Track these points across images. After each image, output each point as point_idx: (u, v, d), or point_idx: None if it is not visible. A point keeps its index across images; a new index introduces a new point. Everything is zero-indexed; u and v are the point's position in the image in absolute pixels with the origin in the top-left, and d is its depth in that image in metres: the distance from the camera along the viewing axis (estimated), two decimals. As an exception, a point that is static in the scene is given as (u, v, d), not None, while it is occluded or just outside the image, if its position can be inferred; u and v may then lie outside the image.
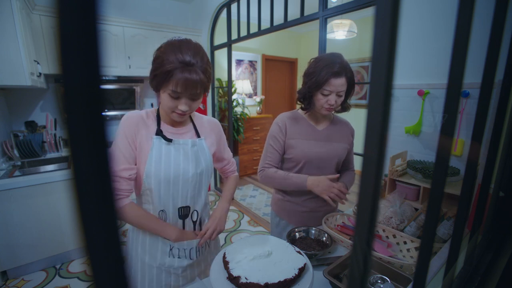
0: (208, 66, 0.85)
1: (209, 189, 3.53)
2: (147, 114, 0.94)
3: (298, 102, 1.22)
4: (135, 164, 0.90)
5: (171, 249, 0.96)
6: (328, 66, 1.05)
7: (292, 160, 1.22)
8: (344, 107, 1.19)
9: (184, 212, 0.96)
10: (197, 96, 0.86)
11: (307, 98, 1.16)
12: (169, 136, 0.93)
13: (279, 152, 1.22)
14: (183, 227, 0.97)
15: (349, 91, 1.13)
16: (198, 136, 1.01)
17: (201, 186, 0.99)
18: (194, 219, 1.00)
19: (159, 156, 0.89)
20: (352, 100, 1.21)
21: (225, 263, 0.79)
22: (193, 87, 0.81)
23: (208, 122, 1.07)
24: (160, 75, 0.80)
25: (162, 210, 0.93)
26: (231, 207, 3.42)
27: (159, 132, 0.90)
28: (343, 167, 1.32)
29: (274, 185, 1.24)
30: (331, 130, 1.24)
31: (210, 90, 3.82)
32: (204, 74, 0.82)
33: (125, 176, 0.86)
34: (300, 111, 1.26)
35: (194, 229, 1.00)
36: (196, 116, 1.06)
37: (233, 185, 1.16)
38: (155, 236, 0.94)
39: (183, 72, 0.79)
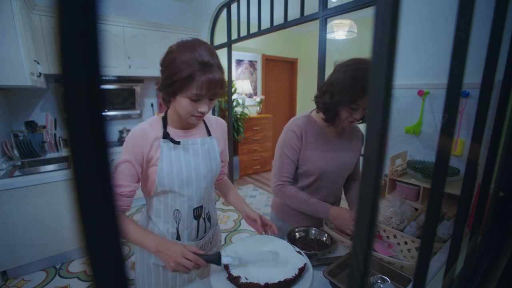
0: (220, 63, 0.84)
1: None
2: (151, 125, 0.91)
3: (317, 111, 1.13)
4: (137, 182, 0.90)
5: None
6: (362, 80, 0.93)
7: (305, 173, 1.15)
8: (364, 118, 1.07)
9: (198, 212, 0.98)
10: (218, 95, 0.84)
11: (331, 111, 1.04)
12: (178, 139, 0.92)
13: (295, 162, 1.13)
14: (197, 227, 0.99)
15: None
16: (209, 134, 1.00)
17: (211, 185, 1.02)
18: (203, 216, 1.01)
19: (169, 160, 0.89)
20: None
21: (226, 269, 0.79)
22: (216, 87, 0.80)
23: (216, 122, 1.07)
24: (180, 81, 0.77)
25: (176, 210, 0.94)
26: (231, 207, 3.42)
27: (165, 135, 0.89)
28: (349, 175, 1.28)
29: (291, 205, 1.16)
30: (344, 138, 1.18)
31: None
32: (222, 72, 0.82)
33: (117, 192, 0.84)
34: (314, 116, 1.16)
35: (205, 224, 1.02)
36: (206, 116, 1.05)
37: (238, 193, 1.18)
38: (162, 236, 0.95)
39: (205, 73, 0.76)
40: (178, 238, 0.96)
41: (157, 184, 0.88)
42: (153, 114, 3.69)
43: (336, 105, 1.02)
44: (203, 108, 0.83)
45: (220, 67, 0.81)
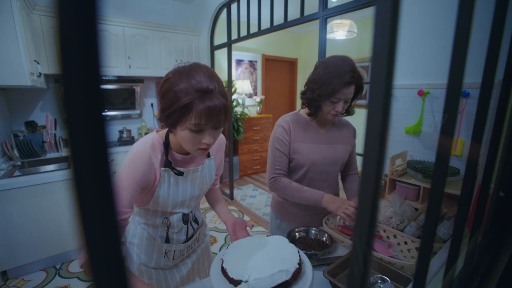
0: (225, 89, 0.76)
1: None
2: (153, 146, 0.84)
3: (303, 106, 1.19)
4: (132, 208, 0.84)
5: (166, 253, 0.98)
6: (339, 74, 1.01)
7: (295, 165, 1.19)
8: (349, 111, 1.16)
9: (186, 218, 0.99)
10: (221, 124, 0.77)
11: (313, 105, 1.11)
12: (179, 164, 0.89)
13: (286, 155, 1.17)
14: (187, 231, 1.01)
15: (355, 96, 1.10)
16: (208, 155, 0.98)
17: (201, 197, 1.04)
18: (190, 220, 1.03)
19: (167, 187, 0.87)
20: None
21: (223, 271, 0.79)
22: (218, 115, 0.73)
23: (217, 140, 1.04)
24: (178, 111, 0.70)
25: (166, 218, 0.94)
26: (232, 207, 3.42)
27: (167, 164, 0.84)
28: (346, 170, 1.31)
29: (286, 196, 1.19)
30: (334, 132, 1.22)
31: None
32: (224, 98, 0.74)
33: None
34: (302, 112, 1.23)
35: (192, 226, 1.04)
36: None
37: (225, 203, 1.18)
38: (152, 240, 0.96)
39: (204, 101, 0.70)
40: (168, 241, 0.97)
41: (151, 205, 0.88)
42: (153, 115, 3.69)
43: (317, 99, 1.08)
44: (207, 139, 0.76)
45: (222, 92, 0.74)
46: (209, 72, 0.74)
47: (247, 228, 1.01)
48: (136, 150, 0.82)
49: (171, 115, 0.72)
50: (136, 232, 0.98)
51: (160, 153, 0.85)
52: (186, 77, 0.70)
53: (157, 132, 0.89)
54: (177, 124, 0.74)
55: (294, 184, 1.14)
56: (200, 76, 0.70)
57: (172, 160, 0.87)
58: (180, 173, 0.87)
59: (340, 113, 1.11)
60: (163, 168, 0.84)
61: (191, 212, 1.01)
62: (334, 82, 1.01)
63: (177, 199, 0.90)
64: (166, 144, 0.85)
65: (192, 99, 0.69)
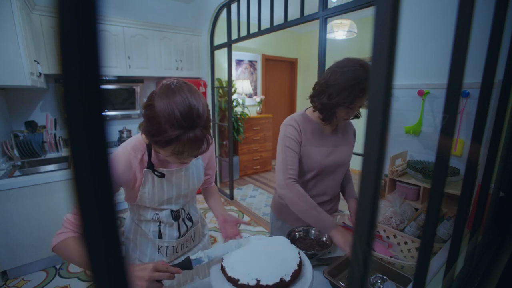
0: (207, 113, 0.77)
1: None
2: (134, 147, 0.87)
3: (314, 110, 1.13)
4: None
5: (159, 249, 0.99)
6: (360, 83, 0.95)
7: (304, 169, 1.16)
8: (357, 114, 1.12)
9: (176, 215, 1.00)
10: (201, 151, 0.80)
11: (329, 111, 1.06)
12: (163, 164, 0.92)
13: (298, 154, 1.12)
14: (178, 227, 1.01)
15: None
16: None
17: (192, 196, 1.06)
18: (183, 216, 1.03)
19: (151, 186, 0.90)
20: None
21: (223, 269, 0.79)
22: (200, 144, 0.76)
23: None
24: (160, 143, 0.73)
25: (156, 213, 0.96)
26: (232, 207, 3.42)
27: (150, 166, 0.87)
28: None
29: (295, 205, 1.07)
30: (338, 133, 1.21)
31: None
32: (206, 128, 0.75)
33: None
34: (309, 114, 1.17)
35: (185, 224, 1.04)
36: None
37: (219, 198, 1.19)
38: (145, 235, 0.98)
39: (188, 133, 0.71)
40: (160, 236, 0.98)
41: (138, 201, 0.91)
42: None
43: (334, 106, 1.03)
44: (187, 160, 0.82)
45: (205, 121, 0.74)
46: (193, 96, 0.73)
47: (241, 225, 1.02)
48: (117, 151, 0.87)
49: (155, 142, 0.74)
50: (131, 228, 1.00)
51: (141, 154, 0.88)
52: (170, 106, 0.70)
53: (141, 134, 0.90)
54: (161, 149, 0.77)
55: (309, 199, 1.07)
56: (184, 104, 0.70)
57: (155, 160, 0.90)
58: (162, 175, 0.89)
59: (351, 118, 1.09)
60: (145, 169, 0.87)
61: (183, 209, 1.02)
62: (355, 90, 0.96)
63: (162, 197, 0.93)
64: (149, 146, 0.88)
65: (177, 134, 0.70)
